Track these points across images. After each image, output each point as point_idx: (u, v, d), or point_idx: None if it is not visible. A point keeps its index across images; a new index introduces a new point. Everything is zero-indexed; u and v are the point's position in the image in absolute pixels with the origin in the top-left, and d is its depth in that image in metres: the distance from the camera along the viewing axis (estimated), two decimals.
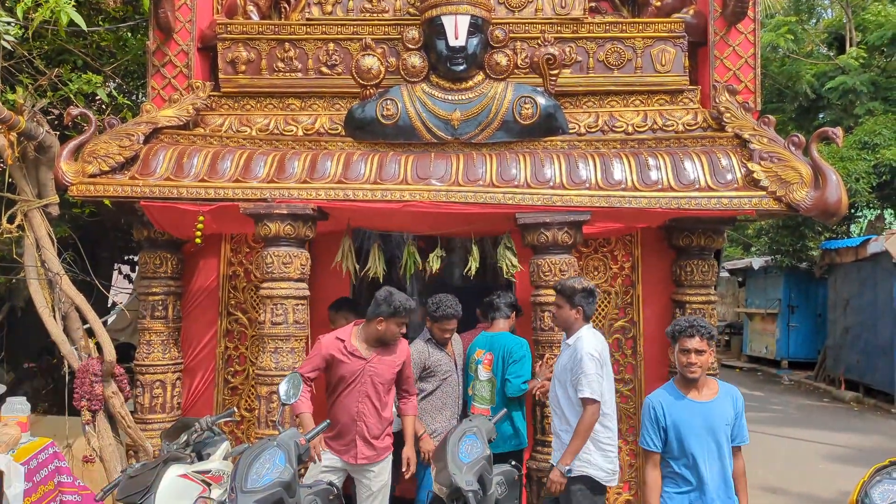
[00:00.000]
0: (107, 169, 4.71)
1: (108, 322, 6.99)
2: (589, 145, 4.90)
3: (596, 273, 5.16)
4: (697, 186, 4.59)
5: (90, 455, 4.69)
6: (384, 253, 5.02)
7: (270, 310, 4.63)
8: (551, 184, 4.64)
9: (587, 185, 4.64)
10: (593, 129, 4.99)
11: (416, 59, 4.94)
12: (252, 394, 5.09)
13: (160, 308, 5.06)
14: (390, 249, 5.25)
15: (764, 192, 4.53)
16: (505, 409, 4.35)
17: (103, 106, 6.01)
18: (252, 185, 4.69)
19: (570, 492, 3.84)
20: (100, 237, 7.04)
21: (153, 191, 4.68)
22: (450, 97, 4.87)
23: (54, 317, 4.85)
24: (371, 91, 4.89)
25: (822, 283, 15.40)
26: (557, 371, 4.10)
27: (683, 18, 5.08)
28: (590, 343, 3.92)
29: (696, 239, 4.93)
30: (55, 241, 4.99)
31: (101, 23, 6.50)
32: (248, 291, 5.25)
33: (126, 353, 6.21)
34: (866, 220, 15.88)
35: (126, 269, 8.94)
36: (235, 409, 4.73)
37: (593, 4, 5.31)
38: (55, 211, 5.02)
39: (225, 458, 3.80)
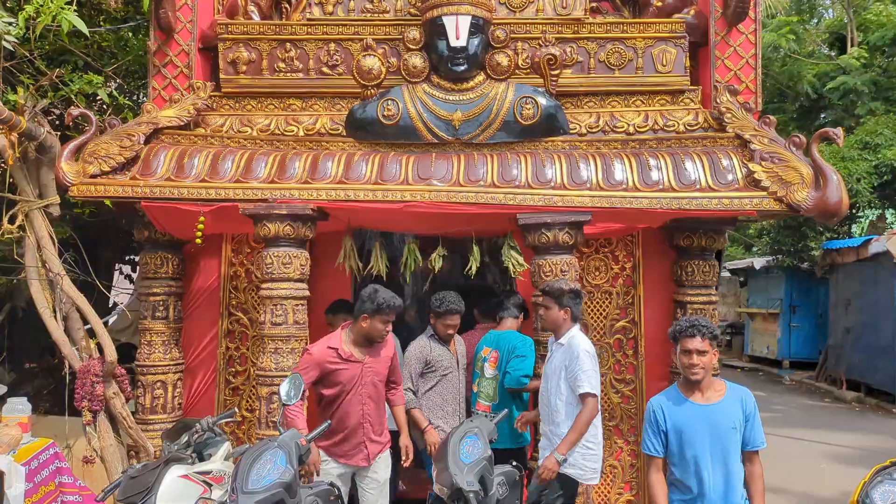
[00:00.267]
0: (107, 169, 4.71)
1: (109, 322, 6.98)
2: (590, 146, 4.90)
3: (597, 273, 5.16)
4: (698, 187, 4.59)
5: (91, 456, 4.69)
6: (386, 251, 5.03)
7: (270, 310, 4.63)
8: (552, 184, 4.64)
9: (588, 185, 4.64)
10: (594, 130, 4.99)
11: (417, 60, 4.94)
12: (253, 394, 5.09)
13: (161, 308, 5.06)
14: (392, 248, 5.26)
15: (765, 193, 4.53)
16: (506, 410, 4.38)
17: (104, 106, 6.01)
18: (253, 186, 4.69)
19: (551, 486, 3.95)
20: (100, 237, 7.03)
21: (154, 191, 4.68)
22: (451, 97, 4.87)
23: (55, 317, 4.84)
24: (372, 91, 4.89)
25: (823, 283, 15.39)
26: (549, 371, 4.15)
27: (684, 19, 5.08)
28: (584, 341, 4.07)
29: (697, 239, 4.93)
30: (56, 241, 4.99)
31: (102, 23, 6.50)
32: (249, 292, 5.25)
33: (127, 353, 6.20)
34: (867, 221, 15.86)
35: (127, 269, 8.94)
36: (236, 410, 4.74)
37: (594, 5, 5.31)
38: (56, 211, 5.02)
39: (226, 459, 3.80)
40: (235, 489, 2.95)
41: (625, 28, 5.04)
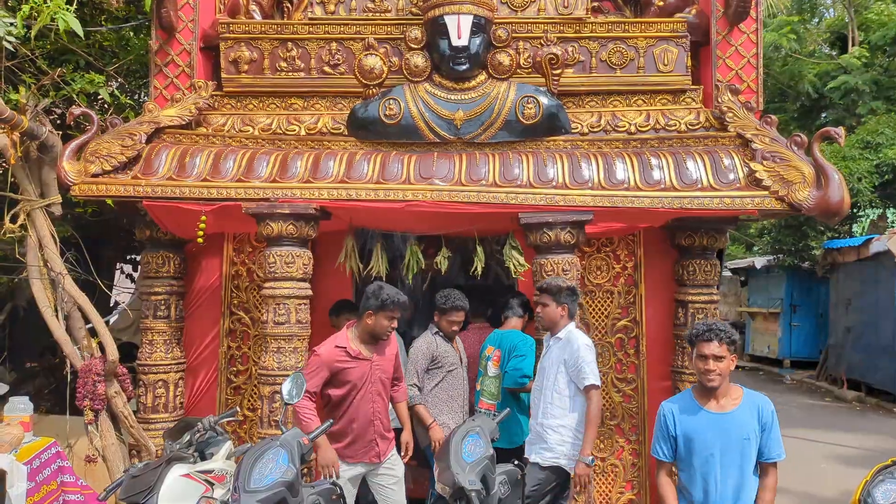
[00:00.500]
0: (109, 169, 4.71)
1: (110, 322, 6.99)
2: (591, 145, 4.90)
3: (599, 272, 5.16)
4: (700, 186, 4.59)
5: (93, 455, 4.69)
6: (387, 252, 5.03)
7: (273, 309, 4.63)
8: (554, 183, 4.64)
9: (590, 184, 4.63)
10: (596, 129, 4.99)
11: (418, 59, 4.93)
12: (255, 393, 5.09)
13: (163, 307, 5.06)
14: (393, 249, 5.26)
15: (766, 192, 4.52)
16: (508, 409, 4.38)
17: (105, 105, 6.01)
18: (255, 185, 4.69)
19: (539, 479, 4.05)
20: (102, 237, 7.04)
21: (156, 190, 4.68)
22: (452, 97, 4.87)
23: (57, 316, 4.85)
24: (374, 91, 4.89)
25: (824, 283, 15.38)
26: (546, 365, 4.19)
27: (686, 18, 5.08)
28: (583, 335, 4.17)
29: (699, 238, 4.93)
30: (58, 240, 4.99)
31: (103, 22, 6.50)
32: (250, 291, 5.26)
33: (128, 352, 6.21)
34: (868, 220, 15.82)
35: (128, 268, 8.94)
36: (238, 409, 4.74)
37: (596, 4, 5.30)
38: (58, 210, 5.02)
39: (228, 458, 3.80)
40: (238, 488, 2.95)
41: (626, 27, 5.04)
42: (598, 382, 4.07)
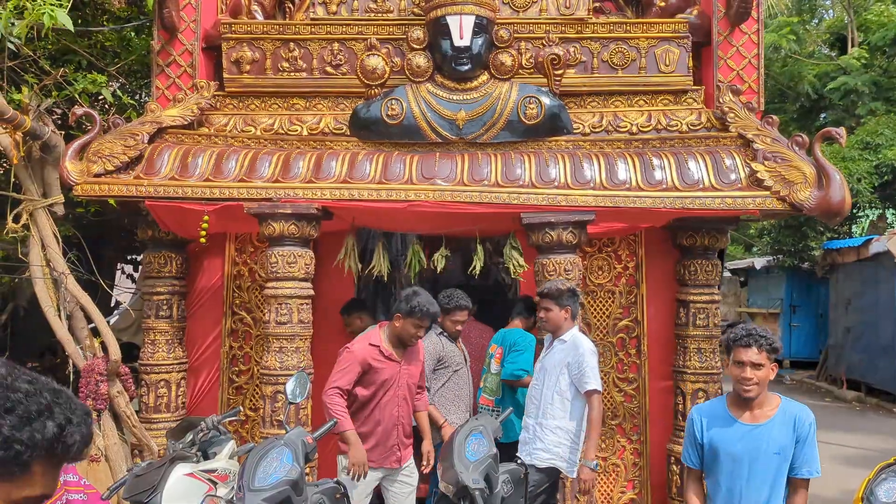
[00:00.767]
0: (111, 168, 4.72)
1: (111, 322, 6.99)
2: (593, 145, 4.91)
3: (600, 272, 5.17)
4: (701, 186, 4.60)
5: (95, 454, 4.70)
6: (388, 252, 5.04)
7: (275, 309, 4.64)
8: (556, 184, 4.65)
9: (592, 184, 4.64)
10: (597, 129, 5.00)
11: (420, 59, 4.94)
12: (257, 393, 5.10)
13: (165, 307, 5.07)
14: (394, 248, 5.27)
15: (768, 192, 4.53)
16: (511, 409, 4.41)
17: (107, 106, 6.01)
18: (257, 185, 4.69)
19: (534, 481, 4.05)
20: (102, 236, 7.04)
21: (158, 190, 4.69)
22: (455, 97, 4.88)
23: (59, 316, 4.85)
24: (376, 91, 4.89)
25: (823, 283, 15.40)
26: (548, 365, 4.20)
27: (687, 19, 5.09)
28: (587, 339, 4.20)
29: (700, 238, 4.94)
30: (60, 240, 5.00)
31: (105, 23, 6.51)
32: (252, 291, 5.26)
33: (129, 352, 6.21)
34: (868, 221, 15.87)
35: (129, 268, 8.95)
36: (241, 408, 4.74)
37: (597, 5, 5.31)
38: (60, 210, 5.03)
39: (231, 458, 3.80)
40: (242, 487, 2.95)
41: (628, 28, 5.05)
42: (600, 388, 4.08)
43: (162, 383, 5.04)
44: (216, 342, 5.24)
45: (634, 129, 4.98)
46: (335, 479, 3.65)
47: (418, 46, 4.96)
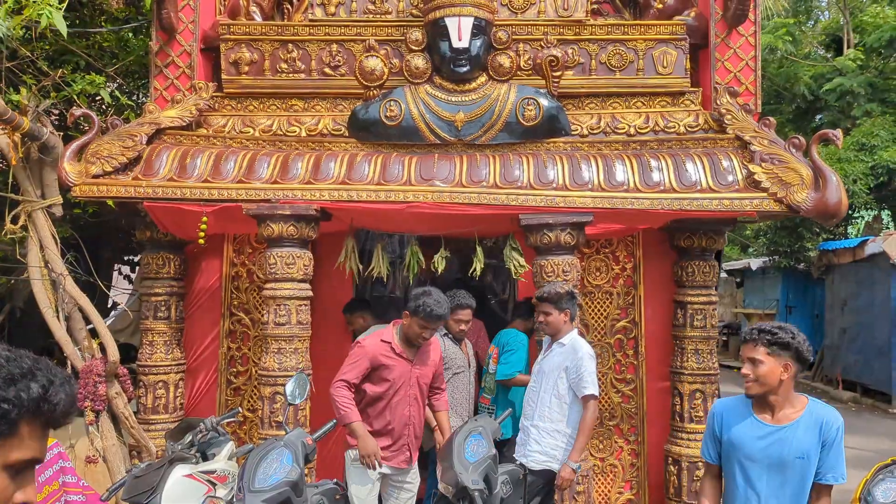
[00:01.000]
0: (110, 170, 4.72)
1: (108, 322, 6.98)
2: (591, 147, 4.92)
3: (598, 274, 5.19)
4: (699, 188, 4.61)
5: (94, 455, 4.69)
6: (387, 253, 5.04)
7: (274, 310, 4.64)
8: (554, 185, 4.66)
9: (590, 186, 4.66)
10: (595, 131, 5.01)
11: (419, 61, 4.95)
12: (255, 394, 5.10)
13: (163, 308, 5.07)
14: (393, 250, 5.27)
15: (765, 194, 4.55)
16: (511, 409, 4.43)
17: (105, 106, 6.01)
18: (255, 186, 4.69)
19: (528, 483, 4.05)
20: (99, 237, 7.03)
21: (156, 191, 4.69)
22: (453, 98, 4.89)
23: (58, 317, 4.85)
24: (374, 92, 4.89)
25: (819, 284, 15.44)
26: (546, 368, 4.20)
27: (685, 21, 5.10)
28: (586, 343, 4.19)
29: (698, 240, 4.96)
30: (58, 241, 5.00)
31: (103, 24, 6.50)
32: (250, 292, 5.26)
33: (126, 353, 6.21)
34: (864, 222, 15.92)
35: (126, 269, 8.94)
36: (240, 410, 4.74)
37: (595, 6, 5.32)
38: (59, 211, 5.03)
39: (230, 459, 3.80)
40: (242, 488, 2.96)
41: (626, 30, 5.06)
42: (597, 393, 4.08)
43: (160, 384, 5.04)
44: (214, 343, 5.25)
45: (632, 130, 4.99)
46: (335, 480, 3.66)
47: (417, 48, 4.97)
